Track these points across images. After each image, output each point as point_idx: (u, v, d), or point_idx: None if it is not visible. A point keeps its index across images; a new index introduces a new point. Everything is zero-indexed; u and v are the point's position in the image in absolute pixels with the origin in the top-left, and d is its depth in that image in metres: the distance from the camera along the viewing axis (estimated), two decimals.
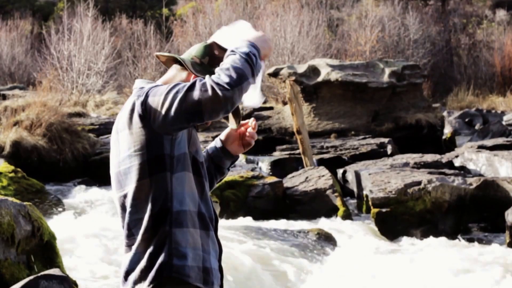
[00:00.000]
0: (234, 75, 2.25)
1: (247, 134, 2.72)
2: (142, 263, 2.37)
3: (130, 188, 2.41)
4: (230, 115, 2.58)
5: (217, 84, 2.24)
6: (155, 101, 2.33)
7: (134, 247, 2.40)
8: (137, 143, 2.37)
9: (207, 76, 2.28)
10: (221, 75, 2.26)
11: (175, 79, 2.50)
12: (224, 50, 2.44)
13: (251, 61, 2.30)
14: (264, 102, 22.35)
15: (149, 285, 2.35)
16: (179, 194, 2.37)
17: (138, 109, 2.36)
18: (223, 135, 2.73)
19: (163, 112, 2.30)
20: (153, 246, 2.36)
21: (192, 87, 2.27)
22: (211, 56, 2.48)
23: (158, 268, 2.34)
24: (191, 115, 2.28)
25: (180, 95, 2.27)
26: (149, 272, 2.35)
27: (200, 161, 2.47)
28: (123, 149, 2.42)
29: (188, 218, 2.38)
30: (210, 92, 2.24)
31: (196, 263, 2.38)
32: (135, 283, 2.38)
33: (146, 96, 2.36)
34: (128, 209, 2.43)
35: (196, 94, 2.25)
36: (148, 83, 2.48)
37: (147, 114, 2.34)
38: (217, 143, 2.73)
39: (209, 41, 2.53)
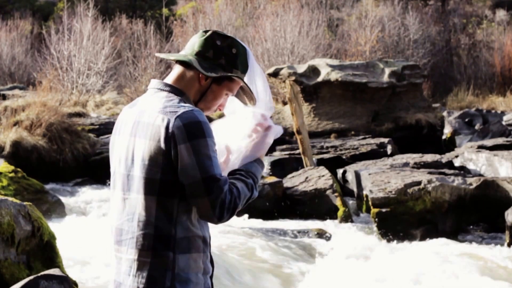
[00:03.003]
0: (242, 202, 2.38)
1: None
2: (142, 283, 2.34)
3: (135, 196, 2.37)
4: (243, 95, 2.57)
5: (232, 210, 2.34)
6: (186, 164, 2.30)
7: (132, 265, 2.36)
8: (154, 160, 2.33)
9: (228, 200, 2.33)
10: (236, 202, 2.34)
11: (185, 79, 2.45)
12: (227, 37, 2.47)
13: (255, 187, 2.44)
14: None
15: None
16: (184, 221, 2.35)
17: (169, 133, 2.30)
18: None
19: (186, 183, 2.32)
20: (154, 270, 2.33)
21: (221, 198, 2.31)
22: (214, 48, 2.45)
23: None
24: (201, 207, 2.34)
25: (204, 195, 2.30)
26: None
27: None
28: (138, 155, 2.37)
29: (191, 243, 2.36)
30: (225, 212, 2.33)
31: (199, 287, 2.38)
32: None
33: (184, 137, 2.29)
34: (127, 216, 2.40)
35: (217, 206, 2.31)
36: (171, 99, 2.40)
37: (172, 158, 2.31)
38: None
39: (208, 33, 2.48)
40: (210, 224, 2.47)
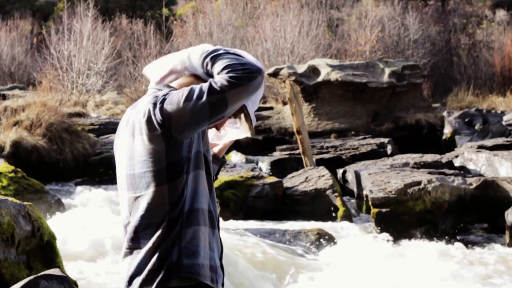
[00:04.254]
0: (231, 69, 2.26)
1: None
2: (150, 266, 2.33)
3: (145, 192, 2.37)
4: (244, 122, 2.56)
5: (229, 81, 2.24)
6: (174, 108, 2.29)
7: (142, 252, 2.36)
8: (155, 149, 2.33)
9: (216, 77, 2.27)
10: (223, 74, 2.26)
11: (185, 81, 2.46)
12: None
13: (224, 52, 2.33)
14: (264, 102, 22.35)
15: (156, 287, 2.32)
16: (191, 193, 2.35)
17: (156, 117, 2.32)
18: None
19: (186, 118, 2.27)
20: (162, 249, 2.33)
21: (210, 88, 2.25)
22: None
23: (167, 268, 2.31)
24: (215, 110, 2.27)
25: (203, 98, 2.25)
26: (157, 275, 2.32)
27: (209, 160, 2.45)
28: (139, 153, 2.37)
29: (199, 216, 2.36)
30: (226, 84, 2.24)
31: (206, 261, 2.36)
32: (142, 285, 2.34)
33: (162, 103, 2.32)
34: (141, 213, 2.38)
35: (217, 86, 2.24)
36: (161, 89, 2.45)
37: (166, 122, 2.30)
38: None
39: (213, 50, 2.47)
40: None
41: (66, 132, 13.08)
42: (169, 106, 2.29)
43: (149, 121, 2.33)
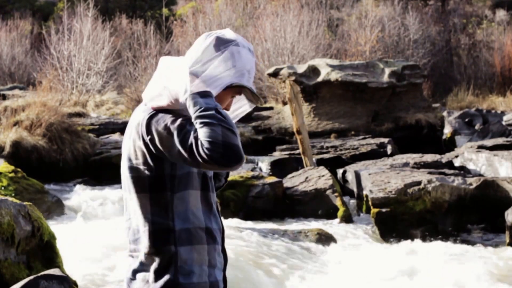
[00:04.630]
0: (210, 140, 2.18)
1: None
2: (147, 276, 2.36)
3: (134, 196, 2.41)
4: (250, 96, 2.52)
5: (207, 157, 2.18)
6: (157, 131, 2.27)
7: (139, 259, 2.40)
8: (140, 157, 2.36)
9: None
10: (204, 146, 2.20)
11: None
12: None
13: (211, 113, 2.23)
14: (264, 102, 22.35)
15: None
16: (181, 213, 2.35)
17: (141, 129, 2.32)
18: None
19: (164, 147, 2.26)
20: (158, 264, 2.35)
21: (190, 146, 2.20)
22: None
23: (164, 285, 2.34)
24: (186, 161, 2.24)
25: (181, 147, 2.21)
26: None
27: (209, 176, 2.45)
28: (132, 157, 2.40)
29: (193, 235, 2.36)
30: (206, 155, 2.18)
31: (203, 280, 2.37)
32: None
33: (151, 119, 2.30)
34: (132, 215, 2.43)
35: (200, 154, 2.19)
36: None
37: (147, 138, 2.30)
38: None
39: (210, 38, 2.42)
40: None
41: (66, 132, 13.08)
42: (154, 126, 2.29)
43: (137, 130, 2.35)
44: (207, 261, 2.39)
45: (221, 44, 2.39)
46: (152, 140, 2.29)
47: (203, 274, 2.37)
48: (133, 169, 2.38)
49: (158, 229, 2.35)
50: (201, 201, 2.40)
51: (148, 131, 2.30)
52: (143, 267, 2.38)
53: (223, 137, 2.17)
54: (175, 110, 2.34)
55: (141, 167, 2.35)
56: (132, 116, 2.49)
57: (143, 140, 2.32)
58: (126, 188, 2.44)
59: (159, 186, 2.34)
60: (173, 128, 2.25)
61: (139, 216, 2.38)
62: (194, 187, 2.39)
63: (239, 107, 2.60)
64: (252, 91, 2.43)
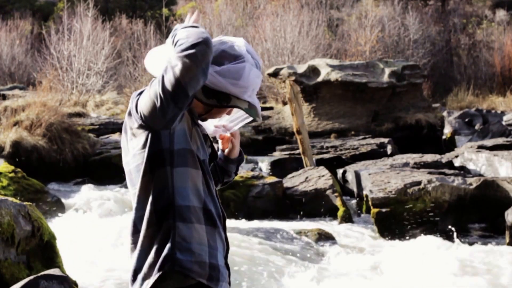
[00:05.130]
0: (185, 42, 2.26)
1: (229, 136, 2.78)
2: (149, 259, 2.36)
3: (137, 185, 2.42)
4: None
5: (180, 57, 2.23)
6: (142, 101, 2.34)
7: (139, 244, 2.39)
8: (139, 141, 2.40)
9: (170, 57, 2.28)
10: (177, 49, 2.26)
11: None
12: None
13: (185, 29, 2.36)
14: (264, 102, 22.35)
15: (154, 280, 2.34)
16: (181, 189, 2.37)
17: (133, 111, 2.39)
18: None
19: (151, 108, 2.30)
20: (158, 241, 2.36)
21: (165, 71, 2.26)
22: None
23: (162, 261, 2.33)
24: (176, 97, 2.25)
25: (158, 85, 2.26)
26: (154, 268, 2.34)
27: (202, 159, 2.46)
28: (131, 148, 2.44)
29: (192, 213, 2.37)
30: (179, 64, 2.22)
31: (202, 259, 2.36)
32: (143, 279, 2.37)
33: (137, 98, 2.40)
34: (134, 205, 2.44)
35: (170, 75, 2.23)
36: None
37: (141, 115, 2.35)
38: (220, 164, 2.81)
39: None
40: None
41: (66, 132, 13.08)
42: (140, 100, 2.36)
43: (129, 115, 2.42)
44: (206, 241, 2.38)
45: (228, 59, 2.42)
46: (141, 109, 2.34)
47: (202, 253, 2.36)
48: (134, 158, 2.41)
49: (160, 206, 2.36)
50: (201, 182, 2.43)
51: (134, 106, 2.38)
52: (145, 252, 2.37)
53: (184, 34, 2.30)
54: None
55: (143, 149, 2.38)
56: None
57: (135, 118, 2.38)
58: (131, 183, 2.46)
59: (158, 162, 2.37)
60: (151, 83, 2.34)
61: (143, 201, 2.39)
62: (193, 166, 2.41)
63: (241, 116, 2.66)
64: (252, 105, 2.46)
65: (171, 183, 2.36)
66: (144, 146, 2.38)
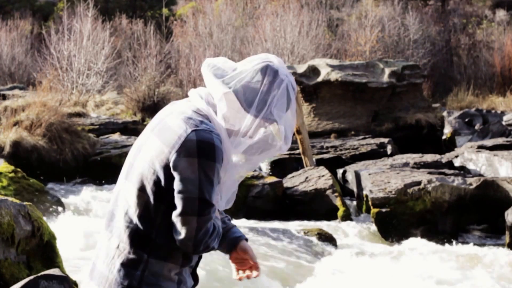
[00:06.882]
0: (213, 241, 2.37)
1: (246, 275, 2.71)
2: (112, 272, 2.33)
3: (130, 186, 2.38)
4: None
5: (207, 243, 2.33)
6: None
7: (110, 253, 2.36)
8: (156, 161, 2.32)
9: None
10: (213, 237, 2.34)
11: (235, 118, 2.38)
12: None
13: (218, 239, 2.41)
14: None
15: None
16: (166, 228, 2.32)
17: (178, 148, 2.28)
18: (239, 247, 2.73)
19: (175, 193, 2.29)
20: (126, 265, 2.32)
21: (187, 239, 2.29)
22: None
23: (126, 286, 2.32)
24: (203, 252, 2.37)
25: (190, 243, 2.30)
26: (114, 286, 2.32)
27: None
28: (146, 150, 2.37)
29: (170, 254, 2.34)
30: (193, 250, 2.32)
31: None
32: (98, 285, 2.36)
33: (180, 152, 2.27)
34: (120, 202, 2.40)
35: (191, 249, 2.31)
36: (199, 114, 2.35)
37: (173, 166, 2.28)
38: (229, 239, 2.70)
39: (261, 64, 2.38)
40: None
41: (66, 132, 13.08)
42: (186, 160, 2.26)
43: (173, 140, 2.30)
44: (176, 280, 2.37)
45: (275, 85, 2.37)
46: (175, 167, 2.27)
47: None
48: (146, 167, 2.33)
49: (140, 233, 2.32)
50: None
51: (192, 154, 2.26)
52: (109, 260, 2.35)
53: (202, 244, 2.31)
54: (220, 132, 2.33)
55: (156, 170, 2.30)
56: (168, 109, 2.43)
57: (180, 155, 2.27)
58: (128, 176, 2.40)
59: (158, 196, 2.31)
60: (194, 187, 2.27)
61: (127, 209, 2.35)
62: None
63: (264, 148, 2.62)
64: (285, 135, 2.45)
65: (159, 219, 2.32)
66: (154, 173, 2.32)
